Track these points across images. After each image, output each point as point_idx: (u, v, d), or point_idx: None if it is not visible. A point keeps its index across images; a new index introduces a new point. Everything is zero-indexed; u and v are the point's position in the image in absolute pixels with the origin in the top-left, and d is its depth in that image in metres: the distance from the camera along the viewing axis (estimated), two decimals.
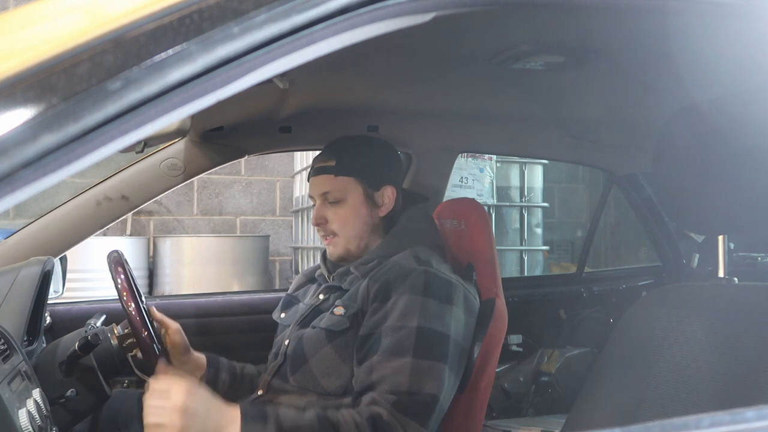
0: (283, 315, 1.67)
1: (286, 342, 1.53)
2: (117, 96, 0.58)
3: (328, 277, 1.60)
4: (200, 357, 1.61)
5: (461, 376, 1.44)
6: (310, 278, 1.71)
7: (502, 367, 2.66)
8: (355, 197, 1.54)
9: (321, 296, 1.56)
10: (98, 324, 1.51)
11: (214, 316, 2.10)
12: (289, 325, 1.59)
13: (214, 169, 2.07)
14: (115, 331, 1.46)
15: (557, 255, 6.17)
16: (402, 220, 1.58)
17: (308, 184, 1.61)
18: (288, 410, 1.30)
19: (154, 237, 5.25)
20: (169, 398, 1.17)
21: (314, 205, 1.59)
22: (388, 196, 1.57)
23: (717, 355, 1.09)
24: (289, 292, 1.74)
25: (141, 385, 1.69)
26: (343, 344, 1.42)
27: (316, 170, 1.58)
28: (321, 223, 1.56)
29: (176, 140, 1.97)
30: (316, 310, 1.53)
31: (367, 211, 1.55)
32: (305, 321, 1.52)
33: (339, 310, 1.46)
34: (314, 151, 4.91)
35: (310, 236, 4.93)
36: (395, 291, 1.39)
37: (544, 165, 5.15)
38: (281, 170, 5.71)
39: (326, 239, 1.58)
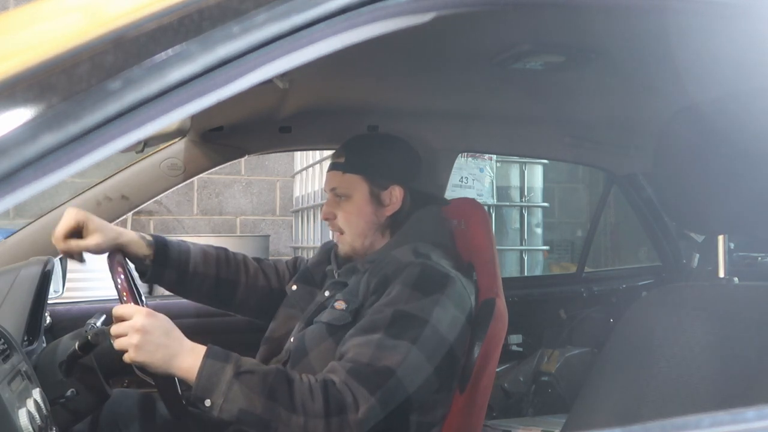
0: (294, 287, 1.68)
1: (291, 339, 1.55)
2: (117, 96, 0.58)
3: (336, 273, 1.61)
4: (137, 241, 1.55)
5: (441, 367, 1.40)
6: (328, 256, 1.70)
7: (502, 367, 2.66)
8: (361, 195, 1.56)
9: (327, 293, 1.57)
10: (98, 324, 1.51)
11: (214, 316, 2.10)
12: (297, 310, 1.62)
13: (214, 169, 2.07)
14: None
15: (557, 255, 6.17)
16: (411, 221, 1.59)
17: (311, 183, 1.63)
18: (251, 359, 1.34)
19: None
20: (129, 319, 1.25)
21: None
22: (395, 195, 1.57)
23: (717, 355, 1.10)
24: (308, 264, 1.75)
25: (141, 385, 1.69)
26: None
27: (329, 166, 1.62)
28: (329, 218, 1.60)
29: (176, 140, 1.97)
30: (321, 307, 1.54)
31: (372, 210, 1.56)
32: (310, 319, 1.53)
33: (340, 305, 1.47)
34: (314, 151, 4.88)
35: (310, 236, 4.93)
36: (391, 283, 1.42)
37: (544, 165, 5.14)
38: (281, 170, 5.70)
39: (335, 235, 1.61)
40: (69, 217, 1.46)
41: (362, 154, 1.58)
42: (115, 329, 1.26)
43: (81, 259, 1.48)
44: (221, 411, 1.23)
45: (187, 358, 1.25)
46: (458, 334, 1.43)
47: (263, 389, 1.25)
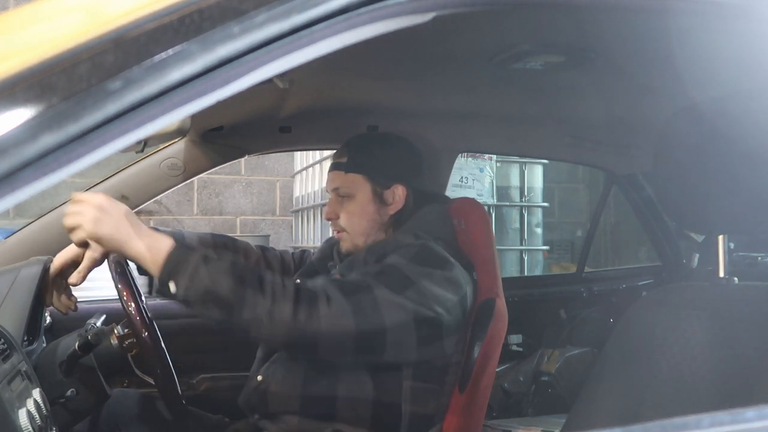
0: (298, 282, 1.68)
1: None
2: (117, 96, 0.58)
3: (337, 269, 1.61)
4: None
5: (423, 330, 1.37)
6: (331, 251, 1.70)
7: (502, 367, 2.65)
8: (364, 194, 1.56)
9: None
10: (98, 324, 1.51)
11: None
12: None
13: (214, 169, 2.07)
14: (115, 331, 1.46)
15: (557, 255, 6.17)
16: (414, 218, 1.59)
17: (311, 183, 1.63)
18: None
19: None
20: (88, 198, 1.22)
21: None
22: (398, 194, 1.57)
23: (717, 355, 1.10)
24: (313, 259, 1.75)
25: (141, 385, 1.69)
26: None
27: (331, 166, 1.62)
28: (332, 218, 1.60)
29: (176, 140, 1.97)
30: None
31: (375, 209, 1.56)
32: None
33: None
34: (314, 151, 4.87)
35: (310, 236, 4.93)
36: (388, 256, 1.43)
37: (544, 165, 5.14)
38: (281, 170, 5.71)
39: (337, 234, 1.61)
40: (56, 263, 1.43)
41: (365, 154, 1.58)
42: (68, 209, 1.22)
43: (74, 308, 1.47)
44: (186, 291, 1.20)
45: (151, 240, 1.21)
46: (446, 311, 1.39)
47: (232, 272, 1.23)
